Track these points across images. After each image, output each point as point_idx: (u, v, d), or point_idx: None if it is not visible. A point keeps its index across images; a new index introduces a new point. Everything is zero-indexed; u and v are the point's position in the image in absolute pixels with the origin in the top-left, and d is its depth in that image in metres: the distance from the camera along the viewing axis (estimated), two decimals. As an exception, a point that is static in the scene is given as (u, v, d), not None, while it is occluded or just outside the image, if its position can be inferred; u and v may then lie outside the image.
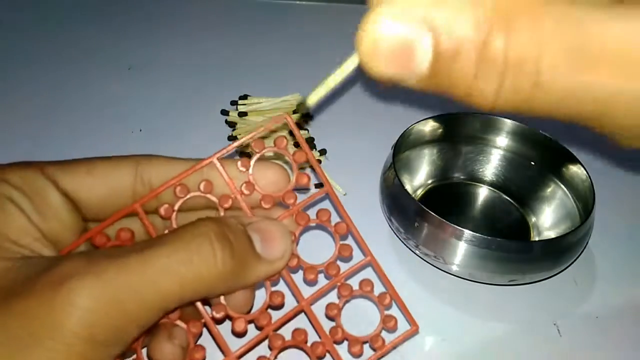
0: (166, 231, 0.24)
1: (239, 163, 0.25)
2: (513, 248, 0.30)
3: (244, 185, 0.25)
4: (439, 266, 0.33)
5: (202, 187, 0.24)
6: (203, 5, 0.55)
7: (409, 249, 0.34)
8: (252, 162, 0.25)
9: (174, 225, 0.24)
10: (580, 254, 0.33)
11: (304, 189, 0.25)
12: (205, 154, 0.39)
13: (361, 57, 0.16)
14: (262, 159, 0.25)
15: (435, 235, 0.31)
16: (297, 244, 0.25)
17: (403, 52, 0.15)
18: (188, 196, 0.24)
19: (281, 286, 0.25)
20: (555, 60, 0.15)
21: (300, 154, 0.25)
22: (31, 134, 0.41)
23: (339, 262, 0.25)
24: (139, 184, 0.25)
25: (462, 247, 0.30)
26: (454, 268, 0.32)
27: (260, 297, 0.25)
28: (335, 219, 0.26)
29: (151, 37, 0.51)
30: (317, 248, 0.28)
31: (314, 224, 0.25)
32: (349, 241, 0.26)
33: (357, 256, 0.26)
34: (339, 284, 0.25)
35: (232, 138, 0.41)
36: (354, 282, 0.25)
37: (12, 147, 0.40)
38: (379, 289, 0.26)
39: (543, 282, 0.33)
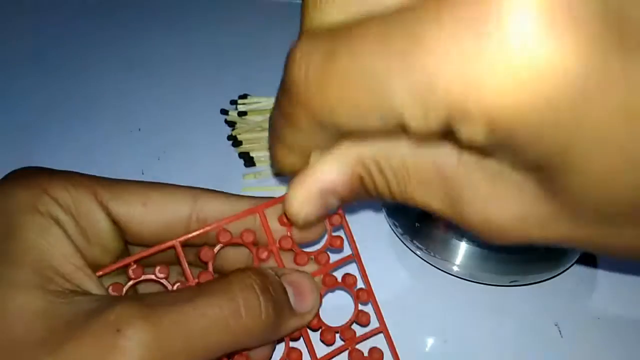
0: (200, 277, 0.24)
1: (282, 218, 0.25)
2: (514, 249, 0.30)
3: (282, 239, 0.25)
4: (439, 267, 0.33)
5: (243, 236, 0.25)
6: (202, 4, 0.55)
7: (409, 249, 0.34)
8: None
9: (210, 269, 0.24)
10: (582, 255, 0.33)
11: (337, 250, 0.27)
12: (205, 154, 0.40)
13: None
14: None
15: (436, 235, 0.31)
16: (320, 304, 0.25)
17: (318, 211, 0.21)
18: (229, 241, 0.25)
19: (298, 342, 0.26)
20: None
21: (335, 218, 0.26)
22: (29, 134, 0.41)
23: (354, 326, 0.26)
24: (194, 219, 0.24)
25: (462, 248, 0.30)
26: (455, 268, 0.31)
27: (278, 350, 0.26)
28: (359, 283, 0.27)
29: (150, 35, 0.51)
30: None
31: (339, 287, 0.26)
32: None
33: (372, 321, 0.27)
34: (350, 348, 0.26)
35: (231, 137, 0.40)
36: (365, 348, 0.26)
37: (10, 146, 0.39)
38: (387, 358, 0.26)
39: (544, 282, 0.33)
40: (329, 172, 0.20)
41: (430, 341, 0.30)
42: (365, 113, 0.16)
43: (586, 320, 0.32)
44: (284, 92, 0.18)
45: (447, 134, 0.15)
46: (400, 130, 0.16)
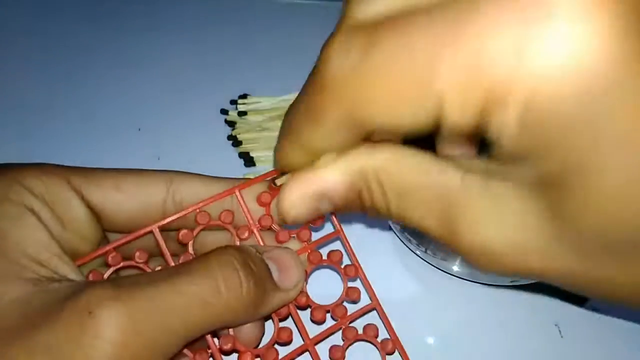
0: (181, 259, 0.24)
1: (261, 197, 0.25)
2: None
3: (262, 218, 0.25)
4: (439, 266, 0.33)
5: (222, 217, 0.25)
6: (202, 4, 0.55)
7: (410, 249, 0.34)
8: (269, 201, 0.25)
9: (190, 250, 0.24)
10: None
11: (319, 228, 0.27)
12: (205, 154, 0.40)
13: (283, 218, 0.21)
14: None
15: (436, 235, 0.31)
16: (307, 282, 0.25)
17: (311, 213, 0.21)
18: (207, 223, 0.24)
19: (288, 322, 0.26)
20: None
21: None
22: (28, 133, 0.41)
23: (345, 304, 0.26)
24: (170, 203, 0.24)
25: (462, 248, 0.30)
26: (455, 268, 0.31)
27: (267, 332, 0.25)
28: (345, 260, 0.26)
29: (150, 35, 0.51)
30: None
31: (325, 264, 0.26)
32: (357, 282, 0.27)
33: (364, 299, 0.26)
34: (343, 326, 0.25)
35: (231, 137, 0.40)
36: (359, 325, 0.26)
37: (9, 145, 0.39)
38: (383, 334, 0.26)
39: (544, 282, 0.33)
40: (329, 177, 0.20)
41: (429, 341, 0.30)
42: (402, 105, 0.16)
43: (587, 321, 0.32)
44: (314, 84, 0.17)
45: (476, 134, 0.15)
46: (433, 127, 0.16)
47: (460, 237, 0.18)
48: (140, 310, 0.19)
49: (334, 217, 0.26)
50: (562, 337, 0.31)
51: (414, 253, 0.33)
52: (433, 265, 0.33)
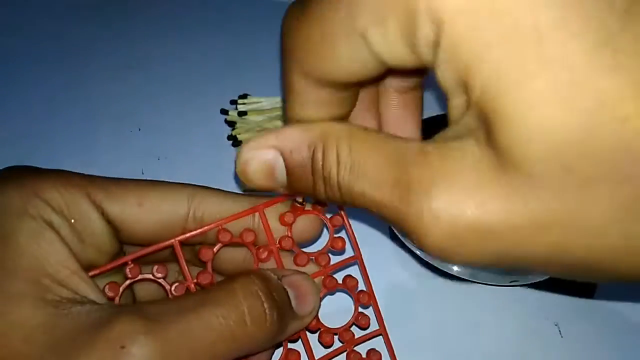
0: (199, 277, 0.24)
1: (284, 217, 0.25)
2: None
3: (282, 239, 0.25)
4: (439, 267, 0.33)
5: (243, 235, 0.25)
6: (203, 4, 0.55)
7: (410, 249, 0.34)
8: (292, 222, 0.25)
9: (209, 268, 0.24)
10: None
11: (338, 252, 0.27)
12: (205, 153, 0.40)
13: (239, 176, 0.21)
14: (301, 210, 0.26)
15: (436, 235, 0.31)
16: (319, 306, 0.25)
17: (266, 171, 0.20)
18: (229, 241, 0.24)
19: (296, 342, 0.26)
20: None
21: (337, 219, 0.26)
22: (28, 133, 0.41)
23: (352, 329, 0.26)
24: (191, 218, 0.24)
25: (463, 248, 0.30)
26: (455, 268, 0.31)
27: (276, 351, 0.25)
28: (360, 285, 0.27)
29: (150, 35, 0.51)
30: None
31: (339, 288, 0.26)
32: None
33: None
34: (348, 349, 0.26)
35: (231, 137, 0.40)
36: (364, 350, 0.26)
37: (11, 146, 0.39)
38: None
39: (544, 282, 0.33)
40: (288, 131, 0.20)
41: (429, 341, 0.30)
42: (338, 50, 0.17)
43: (586, 321, 0.32)
44: (282, 58, 0.19)
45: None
46: (379, 69, 0.17)
47: (413, 204, 0.16)
48: (170, 344, 0.19)
49: (354, 242, 0.26)
50: (562, 337, 0.31)
51: (414, 253, 0.33)
52: (433, 266, 0.33)
